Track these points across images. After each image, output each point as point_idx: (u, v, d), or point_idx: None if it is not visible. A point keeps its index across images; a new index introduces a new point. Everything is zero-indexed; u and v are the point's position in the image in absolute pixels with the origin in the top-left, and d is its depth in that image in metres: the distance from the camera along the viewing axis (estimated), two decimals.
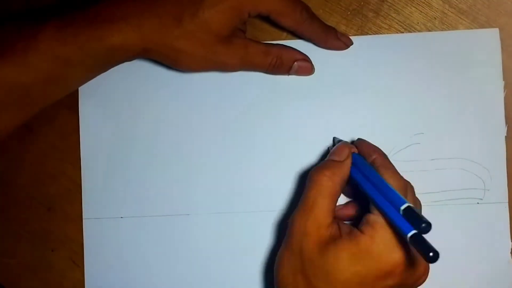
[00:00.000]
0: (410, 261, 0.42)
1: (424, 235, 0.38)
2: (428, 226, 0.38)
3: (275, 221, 0.52)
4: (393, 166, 0.45)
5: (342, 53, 0.51)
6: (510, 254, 0.51)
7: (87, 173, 0.53)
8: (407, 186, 0.45)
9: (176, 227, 0.52)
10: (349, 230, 0.43)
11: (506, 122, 0.51)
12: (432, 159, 0.51)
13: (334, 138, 0.51)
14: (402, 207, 0.40)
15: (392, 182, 0.43)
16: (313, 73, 0.51)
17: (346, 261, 0.42)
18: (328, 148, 0.51)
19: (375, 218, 0.43)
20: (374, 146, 0.47)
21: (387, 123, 0.51)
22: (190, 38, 0.46)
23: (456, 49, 0.51)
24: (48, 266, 0.53)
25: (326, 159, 0.47)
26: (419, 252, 0.38)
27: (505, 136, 0.51)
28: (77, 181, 0.53)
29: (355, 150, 0.47)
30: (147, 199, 0.52)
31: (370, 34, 0.52)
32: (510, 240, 0.51)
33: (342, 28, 0.52)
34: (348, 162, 0.46)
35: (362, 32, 0.52)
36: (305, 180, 0.45)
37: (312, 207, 0.43)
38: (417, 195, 0.48)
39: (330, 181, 0.44)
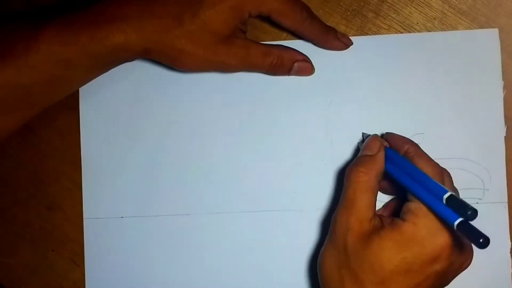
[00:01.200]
0: (455, 244, 0.42)
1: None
2: (474, 213, 0.38)
3: (275, 221, 0.52)
4: (426, 154, 0.46)
5: (342, 53, 0.51)
6: (509, 254, 0.51)
7: (87, 173, 0.53)
8: (444, 173, 0.45)
9: (177, 227, 0.52)
10: (391, 220, 0.44)
11: (506, 122, 0.51)
12: None
13: (363, 133, 0.51)
14: (445, 196, 0.40)
15: (428, 171, 0.43)
16: (313, 73, 0.51)
17: (391, 249, 0.42)
18: (358, 144, 0.51)
19: (415, 205, 0.43)
20: (405, 137, 0.48)
21: (387, 123, 0.51)
22: (191, 38, 0.46)
23: (455, 49, 0.51)
24: (48, 266, 0.53)
25: (359, 155, 0.47)
26: (469, 239, 0.38)
27: (505, 136, 0.51)
28: (77, 181, 0.53)
29: (386, 144, 0.48)
30: (147, 199, 0.53)
31: (370, 35, 0.52)
32: (509, 240, 0.51)
33: (342, 28, 0.52)
34: (382, 155, 0.46)
35: (362, 32, 0.52)
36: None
37: (352, 203, 0.44)
38: None
39: (366, 176, 0.44)
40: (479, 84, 0.51)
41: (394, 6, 0.52)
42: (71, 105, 0.53)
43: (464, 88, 0.51)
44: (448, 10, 0.51)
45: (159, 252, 0.52)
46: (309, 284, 0.52)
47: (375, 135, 0.49)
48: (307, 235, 0.52)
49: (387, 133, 0.49)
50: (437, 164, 0.45)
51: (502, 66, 0.51)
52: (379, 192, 0.46)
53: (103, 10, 0.45)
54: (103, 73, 0.49)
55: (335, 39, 0.50)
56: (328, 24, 0.51)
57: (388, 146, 0.48)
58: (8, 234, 0.53)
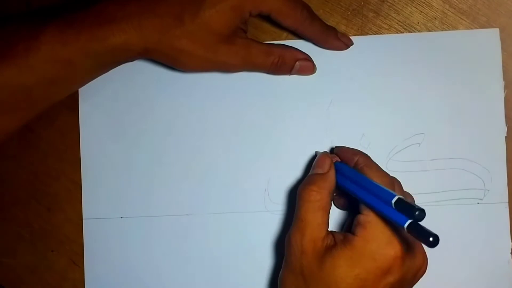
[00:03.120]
0: (406, 253, 0.42)
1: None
2: (422, 213, 0.38)
3: (276, 221, 0.52)
4: (376, 164, 0.46)
5: (342, 53, 0.51)
6: (510, 254, 0.51)
7: (87, 173, 0.53)
8: (394, 182, 0.45)
9: (177, 227, 0.52)
10: (343, 236, 0.44)
11: (506, 122, 0.51)
12: (432, 159, 0.51)
13: (316, 152, 0.51)
14: (393, 200, 0.40)
15: (378, 180, 0.44)
16: (315, 72, 0.51)
17: (343, 267, 0.42)
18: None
19: (365, 218, 0.43)
20: (354, 149, 0.49)
21: (387, 123, 0.51)
22: (191, 37, 0.46)
23: (456, 49, 0.51)
24: (48, 266, 0.53)
25: (309, 174, 0.47)
26: (419, 239, 0.38)
27: (505, 136, 0.51)
28: (77, 181, 0.53)
29: (336, 158, 0.48)
30: (147, 199, 0.52)
31: (370, 34, 0.52)
32: (510, 240, 0.51)
33: (342, 28, 0.52)
34: (332, 172, 0.46)
35: (362, 32, 0.52)
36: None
37: (305, 224, 0.44)
38: (417, 195, 0.49)
39: (318, 195, 0.45)
40: (480, 84, 0.51)
41: (395, 6, 0.52)
42: (71, 105, 0.53)
43: (464, 88, 0.51)
44: (448, 10, 0.51)
45: (159, 252, 0.52)
46: None
47: (325, 152, 0.49)
48: None
49: (336, 147, 0.50)
50: (387, 174, 0.45)
51: (503, 66, 0.51)
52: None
53: (104, 10, 0.45)
54: (104, 73, 0.49)
55: (335, 39, 0.50)
56: (328, 24, 0.50)
57: (338, 160, 0.48)
58: (8, 234, 0.53)
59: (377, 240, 0.42)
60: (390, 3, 0.52)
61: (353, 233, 0.43)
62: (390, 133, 0.51)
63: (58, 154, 0.53)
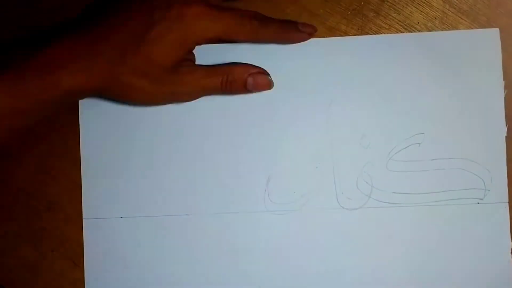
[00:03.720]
0: None
1: None
2: None
3: (277, 221, 0.52)
4: None
5: (342, 53, 0.51)
6: (510, 254, 0.51)
7: (87, 173, 0.53)
8: None
9: (176, 228, 0.52)
10: None
11: (506, 122, 0.51)
12: (432, 159, 0.51)
13: None
14: None
15: None
16: (272, 87, 0.51)
17: None
18: None
19: None
20: None
21: (387, 123, 0.51)
22: (136, 73, 0.46)
23: (456, 49, 0.51)
24: (48, 266, 0.53)
25: None
26: None
27: (506, 136, 0.51)
28: (77, 181, 0.53)
29: None
30: (147, 199, 0.52)
31: (370, 34, 0.52)
32: (510, 240, 0.51)
33: (342, 28, 0.52)
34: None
35: (362, 32, 0.52)
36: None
37: None
38: (417, 195, 0.49)
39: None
40: (480, 84, 0.51)
41: (395, 5, 0.52)
42: (71, 105, 0.53)
43: (464, 88, 0.51)
44: (448, 10, 0.51)
45: (159, 252, 0.52)
46: (311, 284, 0.51)
47: None
48: (309, 236, 0.52)
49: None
50: None
51: (503, 66, 0.51)
52: None
53: (52, 54, 0.45)
54: (59, 112, 0.51)
55: (296, 32, 0.50)
56: (328, 23, 0.51)
57: None
58: (8, 234, 0.53)
59: None
60: (390, 3, 0.52)
61: None
62: (390, 133, 0.51)
63: (58, 154, 0.53)
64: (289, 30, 0.50)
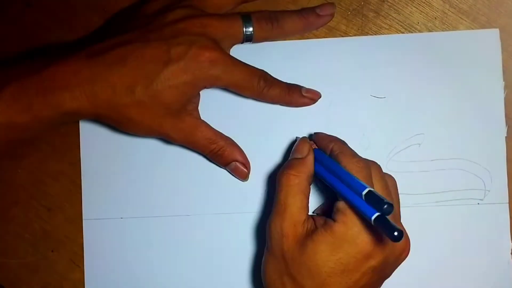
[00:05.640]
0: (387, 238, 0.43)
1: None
2: (390, 207, 0.38)
3: None
4: (351, 150, 0.46)
5: (342, 54, 0.51)
6: (510, 255, 0.51)
7: (87, 174, 0.53)
8: (371, 166, 0.45)
9: (177, 228, 0.52)
10: (324, 221, 0.44)
11: (506, 123, 0.51)
12: (433, 160, 0.51)
13: (296, 137, 0.51)
14: (364, 192, 0.40)
15: (351, 167, 0.44)
16: (246, 180, 0.51)
17: (325, 252, 0.43)
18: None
19: (344, 204, 0.43)
20: (330, 136, 0.49)
21: (388, 124, 0.51)
22: (140, 108, 0.46)
23: (456, 49, 0.51)
24: (48, 266, 0.53)
25: (289, 159, 0.48)
26: (384, 233, 0.39)
27: (506, 137, 0.51)
28: (77, 181, 0.53)
29: (314, 145, 0.49)
30: (147, 200, 0.52)
31: (370, 34, 0.52)
32: (510, 241, 0.50)
33: (342, 28, 0.52)
34: (311, 157, 0.47)
35: (362, 32, 0.52)
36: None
37: (285, 208, 0.44)
38: (417, 196, 0.49)
39: (297, 179, 0.45)
40: (480, 84, 0.51)
41: (395, 5, 0.52)
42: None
43: (464, 88, 0.51)
44: (449, 10, 0.51)
45: (159, 253, 0.52)
46: None
47: (304, 137, 0.49)
48: None
49: (315, 133, 0.50)
50: (362, 159, 0.45)
51: (503, 66, 0.51)
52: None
53: (58, 75, 0.45)
54: (57, 129, 0.52)
55: (299, 97, 0.51)
56: (328, 24, 0.50)
57: (316, 147, 0.48)
58: (8, 234, 0.53)
59: (358, 225, 0.42)
60: (390, 3, 0.52)
61: (334, 220, 0.43)
62: (390, 134, 0.51)
63: (58, 154, 0.53)
64: (293, 95, 0.50)
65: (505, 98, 0.51)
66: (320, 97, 0.51)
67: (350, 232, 0.42)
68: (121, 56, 0.45)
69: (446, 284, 0.51)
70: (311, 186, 0.47)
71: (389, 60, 0.51)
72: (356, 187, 0.41)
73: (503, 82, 0.50)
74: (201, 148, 0.50)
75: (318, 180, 0.49)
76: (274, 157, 0.52)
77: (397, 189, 0.47)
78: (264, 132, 0.52)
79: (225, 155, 0.50)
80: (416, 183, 0.50)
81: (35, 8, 0.54)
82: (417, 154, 0.51)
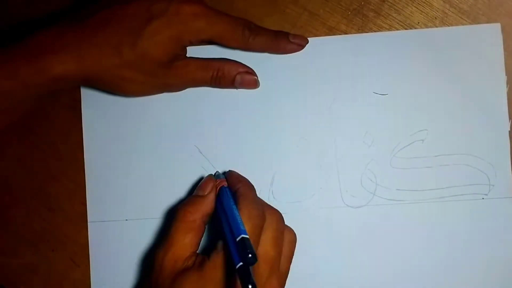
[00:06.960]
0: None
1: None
2: (252, 258, 0.38)
3: None
4: (254, 196, 0.46)
5: (343, 52, 0.51)
6: None
7: (91, 175, 0.52)
8: (266, 216, 0.45)
9: None
10: (202, 259, 0.44)
11: (510, 117, 0.51)
12: (436, 156, 0.51)
13: (208, 175, 0.51)
14: (238, 238, 0.40)
15: (244, 211, 0.43)
16: (258, 86, 0.51)
17: None
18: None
19: (222, 244, 0.43)
20: (241, 177, 0.49)
21: (391, 120, 0.51)
22: (130, 66, 0.46)
23: (458, 45, 0.51)
24: (48, 266, 0.53)
25: (191, 195, 0.48)
26: (241, 283, 0.38)
27: (509, 131, 0.51)
28: (78, 181, 0.53)
29: (225, 182, 0.48)
30: (151, 201, 0.52)
31: None
32: None
33: (342, 28, 0.52)
34: (211, 196, 0.47)
35: (362, 32, 0.52)
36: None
37: (172, 242, 0.44)
38: (422, 192, 0.48)
39: (192, 216, 0.45)
40: (483, 79, 0.51)
41: (395, 5, 0.52)
42: (72, 105, 0.53)
43: (467, 83, 0.51)
44: (449, 10, 0.52)
45: None
46: (315, 282, 0.51)
47: (210, 175, 0.50)
48: (314, 234, 0.51)
49: (229, 171, 0.51)
50: (260, 207, 0.45)
51: (505, 64, 0.51)
52: None
53: (42, 40, 0.45)
54: (46, 101, 0.51)
55: (287, 43, 0.51)
56: (328, 24, 0.51)
57: (226, 184, 0.48)
58: (8, 234, 0.53)
59: (224, 269, 0.42)
60: (391, 3, 0.52)
61: (208, 258, 0.43)
62: (394, 130, 0.51)
63: (58, 154, 0.53)
64: (281, 41, 0.50)
65: (507, 93, 0.51)
66: (308, 42, 0.51)
67: (216, 273, 0.42)
68: (103, 18, 0.46)
69: (451, 279, 0.50)
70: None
71: (391, 56, 0.51)
72: (235, 231, 0.41)
73: (506, 77, 0.51)
74: (201, 80, 0.50)
75: None
76: (278, 155, 0.52)
77: (293, 245, 0.47)
78: (266, 130, 0.52)
79: (225, 73, 0.50)
80: (420, 179, 0.50)
81: None
82: (420, 150, 0.51)
